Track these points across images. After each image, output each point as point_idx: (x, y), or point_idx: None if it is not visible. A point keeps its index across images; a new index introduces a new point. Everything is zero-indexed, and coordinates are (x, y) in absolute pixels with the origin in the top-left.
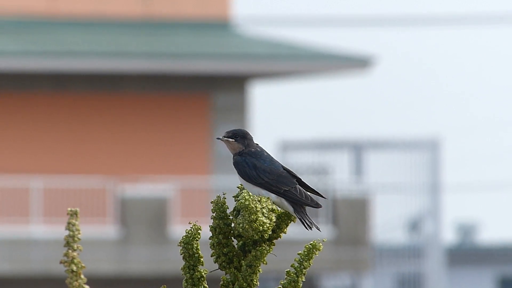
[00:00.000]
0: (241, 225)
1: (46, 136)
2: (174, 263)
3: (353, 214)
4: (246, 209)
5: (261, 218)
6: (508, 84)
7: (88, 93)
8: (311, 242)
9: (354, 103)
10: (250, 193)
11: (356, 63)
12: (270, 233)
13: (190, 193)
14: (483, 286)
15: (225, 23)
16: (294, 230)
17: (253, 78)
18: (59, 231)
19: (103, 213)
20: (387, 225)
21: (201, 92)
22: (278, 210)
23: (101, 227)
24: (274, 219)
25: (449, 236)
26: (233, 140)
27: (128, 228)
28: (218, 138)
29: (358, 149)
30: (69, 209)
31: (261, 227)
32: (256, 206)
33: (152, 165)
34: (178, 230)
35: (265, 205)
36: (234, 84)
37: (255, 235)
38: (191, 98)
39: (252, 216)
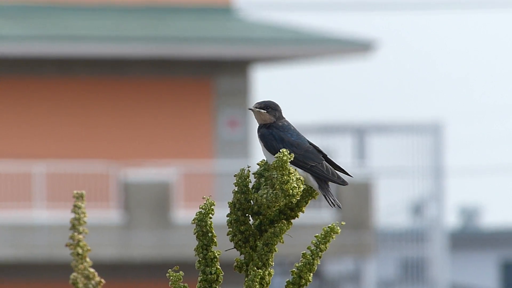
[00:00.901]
0: (265, 195)
1: (49, 120)
2: (177, 247)
3: (357, 198)
4: (282, 168)
5: (292, 181)
6: (510, 68)
7: (91, 78)
8: (329, 225)
9: (356, 87)
10: (288, 155)
11: (358, 47)
12: (297, 198)
13: (193, 178)
14: (486, 269)
15: (227, 8)
16: (307, 215)
17: (255, 62)
18: (62, 216)
19: (106, 198)
20: (390, 209)
21: (204, 77)
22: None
23: (104, 212)
24: (302, 187)
25: (452, 220)
26: (265, 111)
27: (131, 212)
28: (250, 109)
29: (361, 133)
30: (75, 191)
31: (291, 191)
32: (290, 168)
33: (155, 149)
34: (181, 214)
35: (294, 174)
36: (237, 69)
37: (282, 200)
38: (194, 83)
39: (285, 177)
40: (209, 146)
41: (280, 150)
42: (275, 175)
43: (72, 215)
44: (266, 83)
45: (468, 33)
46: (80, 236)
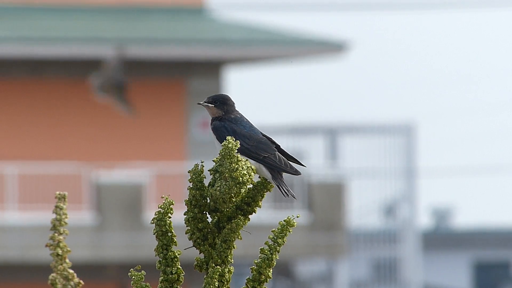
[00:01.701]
0: (218, 188)
1: (21, 122)
2: (150, 248)
3: (329, 199)
4: (229, 156)
5: (242, 169)
6: (483, 69)
7: (63, 79)
8: (285, 219)
9: (329, 88)
10: (234, 143)
11: (331, 47)
12: (249, 186)
13: (165, 179)
14: (458, 270)
15: (199, 8)
16: (269, 216)
17: (228, 63)
18: (35, 218)
19: (78, 199)
20: (362, 209)
21: (176, 78)
22: (254, 181)
23: (76, 213)
24: (252, 175)
25: (424, 220)
26: (213, 105)
27: (104, 214)
28: (198, 103)
29: (333, 134)
30: (57, 192)
31: (241, 178)
32: (238, 156)
33: (127, 151)
34: (153, 216)
35: (244, 162)
36: (209, 70)
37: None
38: (167, 84)
39: (233, 165)
40: (181, 147)
41: (226, 138)
42: (224, 164)
43: (52, 216)
44: (239, 84)
45: (440, 33)
46: (61, 237)
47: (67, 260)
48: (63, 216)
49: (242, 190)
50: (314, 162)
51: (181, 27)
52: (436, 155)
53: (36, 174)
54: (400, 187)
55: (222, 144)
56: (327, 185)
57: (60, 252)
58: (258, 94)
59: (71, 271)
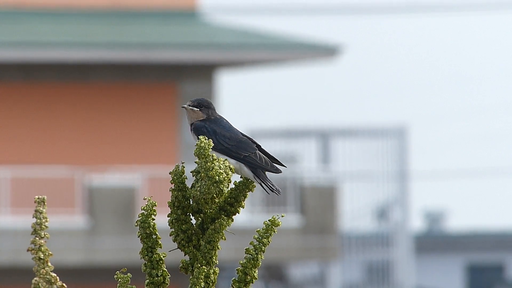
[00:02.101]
0: (198, 188)
1: (14, 126)
2: None
3: (321, 202)
4: (202, 156)
5: (217, 168)
6: (475, 72)
7: (56, 83)
8: (270, 218)
9: (321, 91)
10: (206, 142)
11: (323, 51)
12: (227, 184)
13: (157, 182)
14: (451, 273)
15: (192, 12)
16: (261, 219)
17: (221, 67)
18: (27, 221)
19: (71, 203)
20: (355, 213)
21: (169, 81)
22: (236, 182)
23: (69, 217)
24: (230, 174)
25: (417, 223)
26: (198, 109)
27: (96, 217)
28: (183, 107)
29: (325, 137)
30: (36, 196)
31: (217, 177)
32: (213, 155)
33: (120, 154)
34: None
35: (222, 162)
36: (202, 73)
37: (211, 189)
38: (159, 88)
39: (208, 164)
40: (173, 150)
41: (199, 137)
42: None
43: (34, 220)
44: (231, 88)
45: (432, 37)
46: (42, 241)
47: (49, 264)
48: (44, 220)
49: (223, 189)
50: (307, 165)
51: (173, 31)
52: (429, 158)
53: (28, 178)
54: (393, 190)
55: (196, 144)
56: (320, 188)
57: (42, 256)
58: (250, 98)
59: (53, 274)
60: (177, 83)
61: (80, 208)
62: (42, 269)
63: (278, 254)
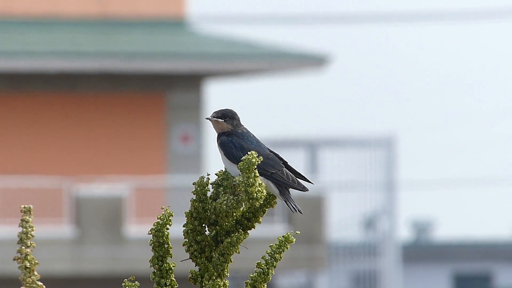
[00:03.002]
0: (225, 202)
1: (1, 136)
2: (129, 262)
3: (309, 212)
4: (248, 170)
5: (257, 185)
6: (462, 81)
7: (43, 93)
8: (284, 235)
9: (309, 101)
10: (257, 158)
11: (311, 61)
12: (260, 202)
13: (145, 193)
14: (438, 283)
15: (180, 22)
16: (260, 229)
17: (209, 76)
18: (16, 231)
19: (58, 213)
20: (342, 223)
21: (157, 91)
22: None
23: (56, 227)
24: (264, 192)
25: (404, 233)
26: (222, 120)
27: (84, 227)
28: (207, 118)
29: (313, 147)
30: (22, 206)
31: (255, 194)
32: (255, 172)
33: (107, 164)
34: (133, 229)
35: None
36: (190, 83)
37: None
38: (147, 97)
39: (251, 180)
40: (161, 161)
41: (249, 152)
42: (240, 178)
43: (20, 229)
44: (219, 98)
45: (420, 46)
46: (28, 250)
47: (35, 273)
48: (30, 229)
49: (256, 205)
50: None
51: (161, 40)
52: (416, 168)
53: (16, 188)
54: (380, 200)
55: (243, 158)
56: (308, 198)
57: (28, 265)
58: (238, 108)
59: (40, 283)
60: (165, 93)
61: (68, 218)
62: (29, 278)
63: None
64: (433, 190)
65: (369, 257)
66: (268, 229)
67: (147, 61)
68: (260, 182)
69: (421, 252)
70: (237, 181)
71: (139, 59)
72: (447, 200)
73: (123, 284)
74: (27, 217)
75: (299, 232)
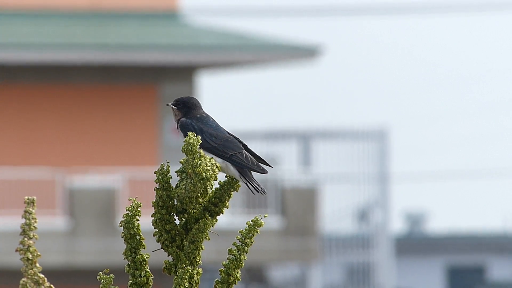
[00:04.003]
0: (183, 186)
1: None
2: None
3: (302, 204)
4: (191, 151)
5: (204, 164)
6: (456, 74)
7: (36, 85)
8: (252, 219)
9: (302, 93)
10: (195, 138)
11: (304, 52)
12: (213, 182)
13: (138, 184)
14: (431, 275)
15: (173, 14)
16: (243, 221)
17: (201, 68)
18: (8, 223)
19: (52, 205)
20: (335, 215)
21: (149, 83)
22: (221, 181)
23: (50, 218)
24: (217, 172)
25: (397, 225)
26: (175, 108)
27: (77, 219)
28: (167, 104)
29: (306, 139)
30: (26, 197)
31: (204, 174)
32: (200, 152)
33: (100, 156)
34: (122, 218)
35: (208, 159)
36: (182, 75)
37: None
38: (139, 89)
39: (196, 161)
40: (154, 152)
41: (188, 134)
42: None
43: (23, 221)
44: (212, 89)
45: (413, 38)
46: (31, 242)
47: (37, 265)
48: (33, 221)
49: (208, 188)
50: (288, 167)
51: (154, 32)
52: (409, 160)
53: (9, 180)
54: (373, 192)
55: (184, 140)
56: (300, 190)
57: (30, 256)
58: (231, 99)
59: (41, 275)
60: (158, 84)
61: (61, 209)
62: (30, 270)
63: (259, 256)
64: (426, 182)
65: (362, 249)
66: (263, 220)
67: (139, 53)
68: (214, 162)
69: (414, 244)
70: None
71: (132, 51)
72: (440, 192)
73: (98, 277)
74: (31, 209)
75: (267, 215)
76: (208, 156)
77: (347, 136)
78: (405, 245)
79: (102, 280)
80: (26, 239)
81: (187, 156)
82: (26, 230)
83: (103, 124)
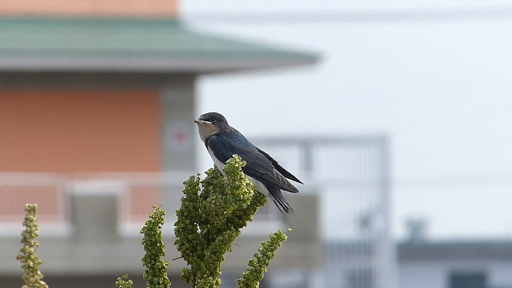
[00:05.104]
0: (213, 201)
1: None
2: (124, 260)
3: (303, 210)
4: (233, 173)
5: (243, 187)
6: (456, 79)
7: (37, 91)
8: (276, 232)
9: (303, 99)
10: (240, 161)
11: (305, 59)
12: (248, 203)
13: (139, 190)
14: (433, 281)
15: (174, 20)
16: (253, 227)
17: (202, 74)
18: (10, 229)
19: (53, 211)
20: (337, 221)
21: (151, 89)
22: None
23: (51, 225)
24: (252, 192)
25: (399, 231)
26: (210, 122)
27: (78, 225)
28: (195, 121)
29: (308, 145)
30: (27, 204)
31: (242, 196)
32: (241, 174)
33: (102, 162)
34: (128, 227)
35: (247, 181)
36: (184, 81)
37: (232, 205)
38: (141, 95)
39: (236, 182)
40: (156, 158)
41: (232, 156)
42: (226, 181)
43: (24, 228)
44: (213, 96)
45: (413, 44)
46: (32, 249)
47: (38, 272)
48: (34, 228)
49: (243, 207)
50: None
51: (155, 39)
52: (411, 166)
53: (10, 186)
54: (375, 198)
55: (227, 162)
56: (302, 196)
57: (31, 264)
58: (232, 106)
59: (42, 282)
60: (159, 91)
61: (62, 215)
62: (32, 277)
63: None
64: (428, 188)
65: (364, 256)
66: (262, 227)
67: (141, 59)
68: (248, 182)
69: (416, 250)
70: (224, 182)
71: (133, 57)
72: (442, 198)
73: (117, 282)
74: (31, 216)
75: (290, 229)
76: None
77: (349, 142)
78: (407, 251)
79: (120, 286)
80: (27, 246)
81: (228, 176)
82: (27, 238)
83: (105, 130)
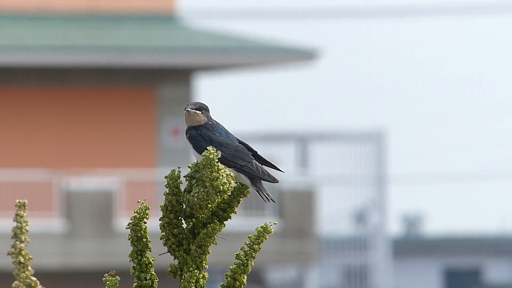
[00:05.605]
0: (196, 194)
1: None
2: (120, 256)
3: (299, 206)
4: (209, 166)
5: (222, 178)
6: (452, 77)
7: (33, 87)
8: (262, 225)
9: (299, 95)
10: (215, 153)
11: (301, 55)
12: (229, 194)
13: (135, 186)
14: (428, 277)
15: (170, 16)
16: (239, 223)
17: (199, 71)
18: (5, 225)
19: (49, 207)
20: (333, 217)
21: (147, 85)
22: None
23: (47, 221)
24: (232, 183)
25: (394, 227)
26: (200, 112)
27: (74, 221)
28: (187, 110)
29: (303, 141)
30: (17, 200)
31: (221, 187)
32: (218, 165)
33: (97, 158)
34: (124, 223)
35: (223, 170)
36: (180, 77)
37: (214, 197)
38: (137, 91)
39: (214, 174)
40: (151, 154)
41: (207, 148)
42: (204, 173)
43: (14, 224)
44: (210, 92)
45: (411, 40)
46: (22, 245)
47: (29, 268)
48: (24, 224)
49: (226, 198)
50: (285, 169)
51: (151, 35)
52: (406, 162)
53: (5, 182)
54: (371, 194)
55: (203, 154)
56: (298, 192)
57: (22, 260)
58: (228, 102)
59: (34, 278)
60: (155, 87)
61: (58, 211)
62: (23, 273)
63: (256, 258)
64: (424, 184)
65: (359, 251)
66: (258, 223)
67: (137, 55)
68: (228, 173)
69: (411, 246)
70: (202, 176)
71: (130, 53)
72: (437, 194)
73: (104, 279)
74: (22, 212)
75: (277, 223)
76: (221, 166)
77: (345, 138)
78: (402, 247)
79: (108, 282)
80: (18, 242)
81: (205, 169)
82: (17, 234)
83: (101, 126)
